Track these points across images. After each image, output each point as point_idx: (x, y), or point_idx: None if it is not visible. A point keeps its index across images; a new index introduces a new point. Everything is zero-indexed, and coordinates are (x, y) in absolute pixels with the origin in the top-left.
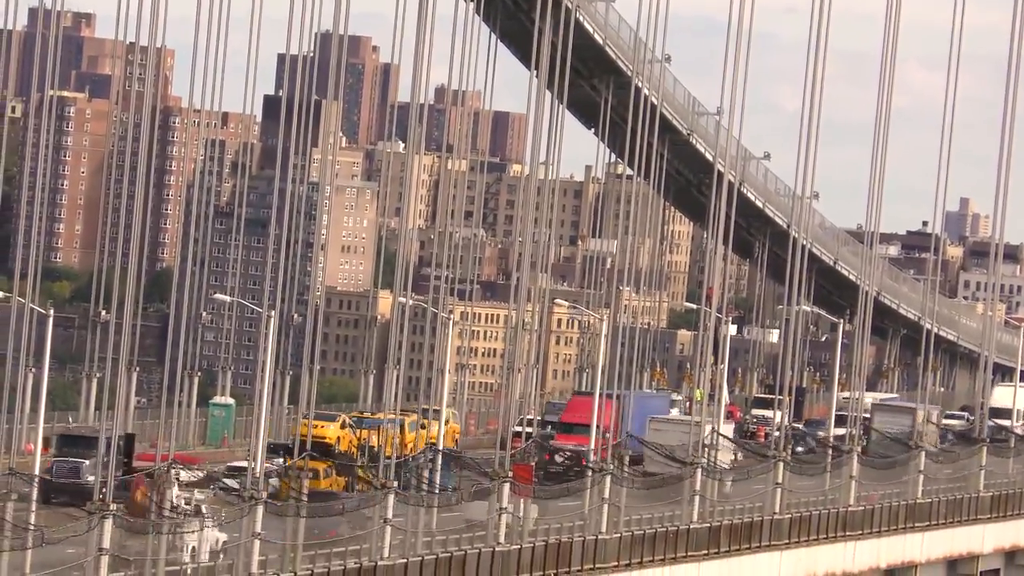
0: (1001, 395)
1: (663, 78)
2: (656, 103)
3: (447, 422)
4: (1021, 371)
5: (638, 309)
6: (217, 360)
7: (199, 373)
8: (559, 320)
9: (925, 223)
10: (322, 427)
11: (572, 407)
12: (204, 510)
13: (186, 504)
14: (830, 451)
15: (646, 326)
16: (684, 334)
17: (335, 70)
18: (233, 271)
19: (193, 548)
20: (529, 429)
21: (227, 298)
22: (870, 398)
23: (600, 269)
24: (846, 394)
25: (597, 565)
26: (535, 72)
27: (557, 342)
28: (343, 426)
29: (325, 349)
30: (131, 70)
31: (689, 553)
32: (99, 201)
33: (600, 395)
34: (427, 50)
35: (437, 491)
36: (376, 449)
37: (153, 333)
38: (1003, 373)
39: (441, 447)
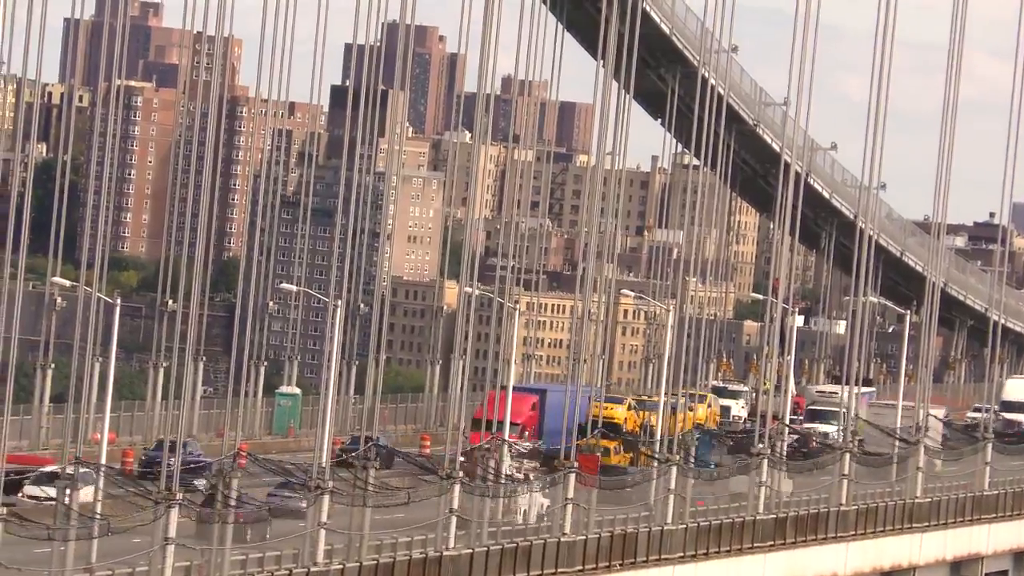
0: (1014, 388)
1: (730, 68)
2: (723, 93)
3: (709, 406)
4: None
5: (704, 300)
6: (283, 350)
7: (265, 363)
8: (625, 311)
9: (992, 214)
10: (611, 408)
11: (489, 402)
12: (531, 478)
13: (517, 472)
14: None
15: (712, 317)
16: (751, 325)
17: (402, 60)
18: (299, 261)
19: (524, 511)
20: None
21: (293, 288)
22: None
23: (666, 260)
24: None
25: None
26: (601, 62)
27: (623, 333)
28: (629, 408)
29: (391, 339)
30: (198, 59)
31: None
32: (166, 191)
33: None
34: (493, 40)
35: (709, 466)
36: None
37: (219, 323)
38: None
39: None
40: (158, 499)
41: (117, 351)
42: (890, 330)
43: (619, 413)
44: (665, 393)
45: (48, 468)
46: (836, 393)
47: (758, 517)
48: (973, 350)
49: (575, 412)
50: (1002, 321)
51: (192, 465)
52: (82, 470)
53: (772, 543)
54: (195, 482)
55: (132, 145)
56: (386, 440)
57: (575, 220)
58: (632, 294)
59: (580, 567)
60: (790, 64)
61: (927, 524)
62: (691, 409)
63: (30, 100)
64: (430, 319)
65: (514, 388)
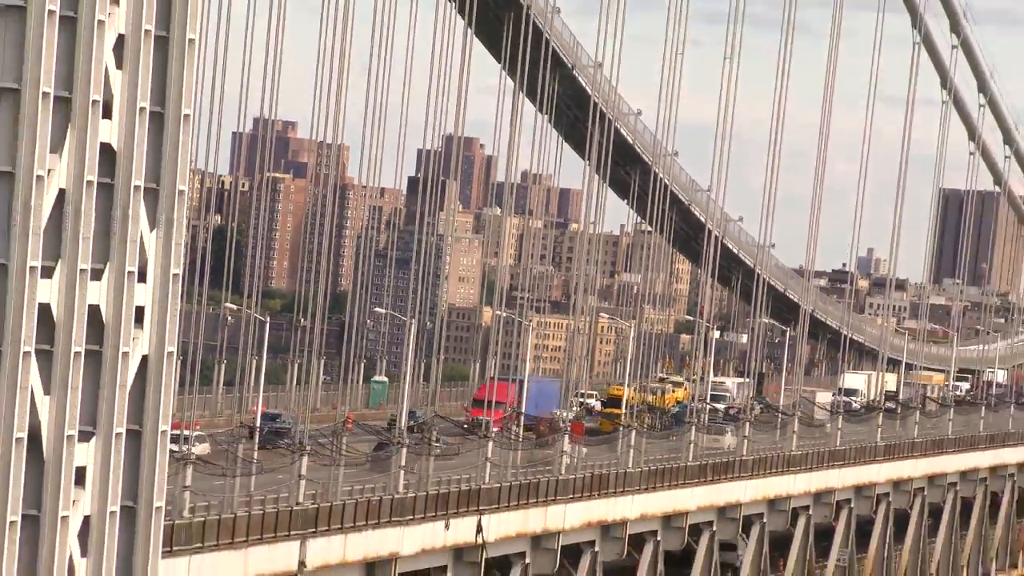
0: (849, 380)
1: (672, 166)
2: (668, 184)
3: (685, 388)
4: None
5: (654, 320)
6: (376, 351)
7: (364, 360)
8: (602, 327)
9: (844, 264)
10: (618, 388)
11: (481, 390)
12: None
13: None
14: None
15: (659, 332)
16: (685, 337)
17: (455, 160)
18: (387, 293)
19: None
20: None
21: (382, 311)
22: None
23: (630, 293)
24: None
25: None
26: (588, 161)
27: (601, 342)
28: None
29: (447, 345)
30: (321, 160)
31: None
32: (300, 246)
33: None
34: (516, 148)
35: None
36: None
37: (334, 334)
38: (893, 364)
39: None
40: (294, 450)
41: (267, 352)
42: (776, 341)
43: (621, 391)
44: (630, 383)
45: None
46: (724, 383)
47: (688, 464)
48: (831, 355)
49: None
50: (849, 336)
51: (279, 429)
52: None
53: (697, 480)
54: (280, 442)
55: (276, 216)
56: (421, 414)
57: (569, 267)
58: (607, 316)
59: (571, 495)
60: (712, 165)
61: (800, 468)
62: (674, 391)
63: (210, 186)
64: (473, 332)
65: (501, 378)
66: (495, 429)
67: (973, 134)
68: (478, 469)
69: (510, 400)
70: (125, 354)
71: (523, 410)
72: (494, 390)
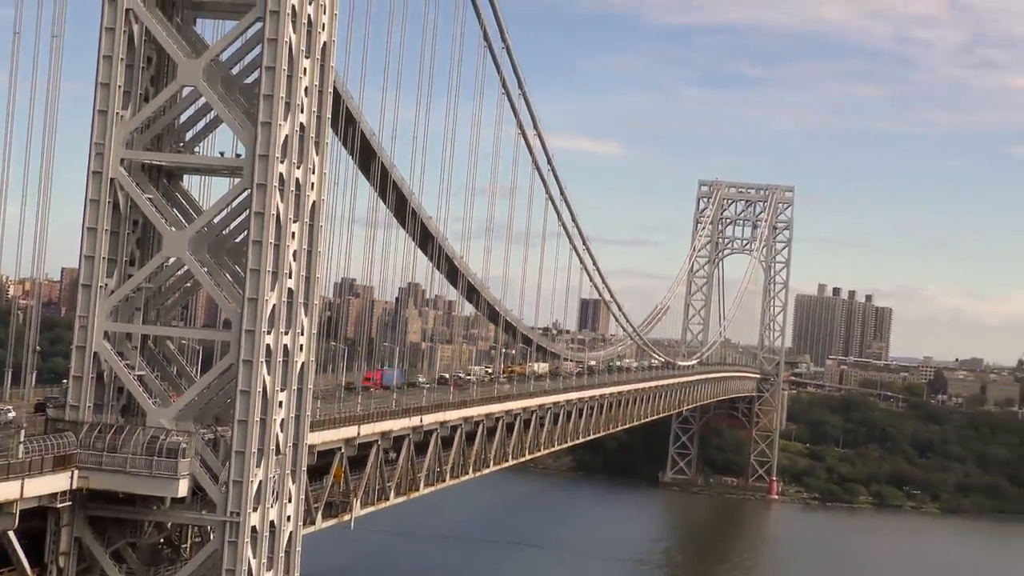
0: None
1: None
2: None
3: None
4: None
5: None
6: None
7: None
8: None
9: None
10: (523, 367)
11: (369, 375)
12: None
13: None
14: None
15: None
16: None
17: None
18: None
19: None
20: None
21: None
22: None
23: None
24: None
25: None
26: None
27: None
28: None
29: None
30: None
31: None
32: None
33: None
34: None
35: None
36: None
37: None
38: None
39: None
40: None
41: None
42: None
43: (519, 368)
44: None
45: None
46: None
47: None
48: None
49: (393, 376)
50: (538, 344)
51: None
52: None
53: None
54: None
55: None
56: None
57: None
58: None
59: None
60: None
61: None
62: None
63: None
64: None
65: (378, 371)
66: (372, 389)
67: None
68: (365, 403)
69: (377, 376)
70: None
71: (383, 379)
72: (372, 374)
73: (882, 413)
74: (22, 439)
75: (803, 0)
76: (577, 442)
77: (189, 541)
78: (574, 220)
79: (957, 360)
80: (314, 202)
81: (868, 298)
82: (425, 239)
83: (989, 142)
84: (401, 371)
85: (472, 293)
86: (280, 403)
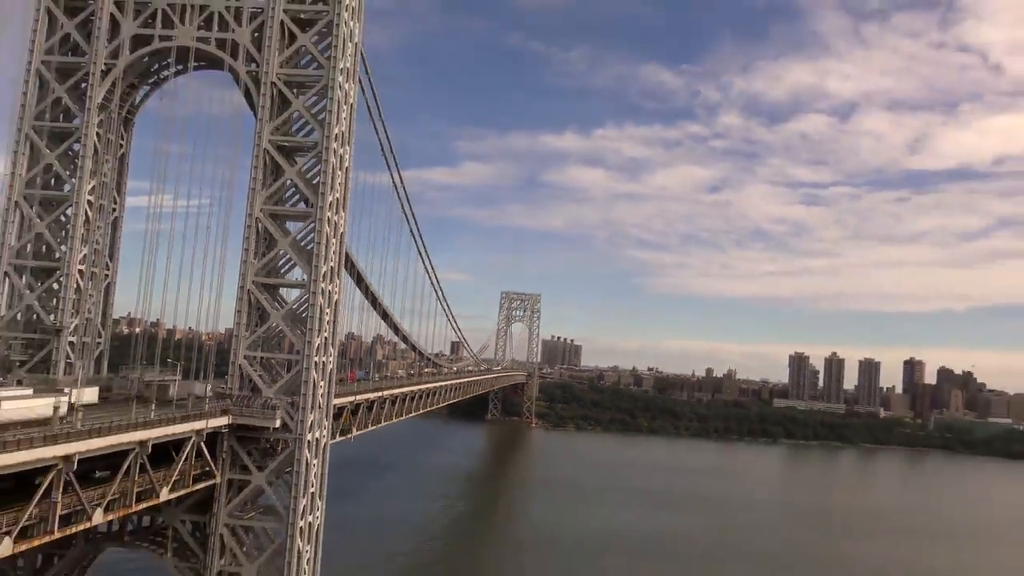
0: None
1: None
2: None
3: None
4: None
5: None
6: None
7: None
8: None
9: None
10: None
11: (351, 373)
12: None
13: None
14: None
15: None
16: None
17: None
18: None
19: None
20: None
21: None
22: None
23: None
24: None
25: None
26: None
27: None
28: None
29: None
30: None
31: None
32: None
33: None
34: None
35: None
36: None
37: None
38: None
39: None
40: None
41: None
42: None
43: (426, 371)
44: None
45: None
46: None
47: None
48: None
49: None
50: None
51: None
52: None
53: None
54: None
55: None
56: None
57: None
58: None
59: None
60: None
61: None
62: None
63: None
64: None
65: (353, 371)
66: (349, 382)
67: None
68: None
69: (352, 373)
70: None
71: (356, 376)
72: (351, 373)
73: (577, 389)
74: (207, 402)
75: None
76: (450, 402)
77: (280, 447)
78: (450, 311)
79: (616, 367)
80: (336, 300)
81: (572, 340)
82: (385, 316)
83: None
84: (366, 372)
85: (406, 339)
86: (320, 387)
